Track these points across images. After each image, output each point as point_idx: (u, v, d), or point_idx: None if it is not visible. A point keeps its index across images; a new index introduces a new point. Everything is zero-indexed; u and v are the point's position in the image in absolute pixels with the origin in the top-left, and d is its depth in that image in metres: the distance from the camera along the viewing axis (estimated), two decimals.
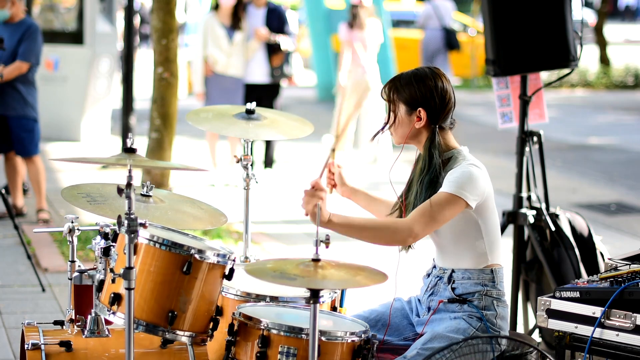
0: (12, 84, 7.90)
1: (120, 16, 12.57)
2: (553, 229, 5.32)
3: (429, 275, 3.85)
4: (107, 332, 3.64)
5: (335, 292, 3.82)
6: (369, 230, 3.53)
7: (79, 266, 3.81)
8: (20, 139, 8.03)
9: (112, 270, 3.44)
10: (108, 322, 3.65)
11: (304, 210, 3.49)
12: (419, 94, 3.66)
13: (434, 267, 3.83)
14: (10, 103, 7.94)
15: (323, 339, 3.32)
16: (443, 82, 3.70)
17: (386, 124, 3.74)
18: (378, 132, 3.82)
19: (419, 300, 3.87)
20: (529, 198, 5.48)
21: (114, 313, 3.42)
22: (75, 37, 12.14)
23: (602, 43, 21.66)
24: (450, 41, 17.04)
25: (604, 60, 21.67)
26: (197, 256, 3.41)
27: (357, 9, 11.21)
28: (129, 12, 10.36)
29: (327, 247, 3.26)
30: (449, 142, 3.73)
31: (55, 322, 3.76)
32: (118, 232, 3.35)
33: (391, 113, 3.73)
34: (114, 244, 3.52)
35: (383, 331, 3.80)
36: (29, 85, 8.02)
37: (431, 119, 3.68)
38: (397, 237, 3.52)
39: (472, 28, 20.86)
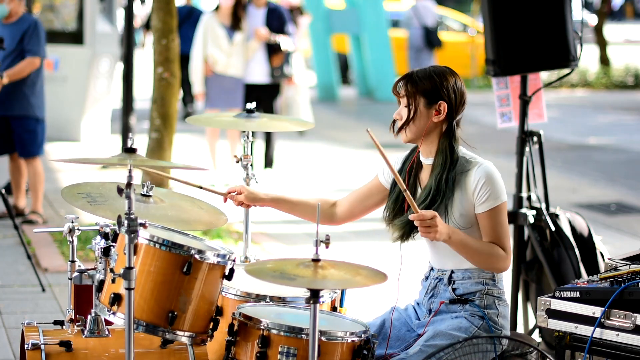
0: (15, 84, 7.90)
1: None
2: (553, 229, 5.32)
3: (427, 278, 3.84)
4: (107, 332, 3.64)
5: (335, 292, 3.82)
6: (481, 255, 3.60)
7: (79, 266, 3.80)
8: (22, 139, 8.03)
9: (112, 271, 3.44)
10: (108, 322, 3.64)
11: (428, 238, 3.52)
12: (440, 87, 3.67)
13: (432, 269, 3.82)
14: (12, 103, 7.94)
15: (323, 339, 3.32)
16: (460, 81, 3.74)
17: (409, 118, 3.69)
18: (401, 129, 3.72)
19: (417, 303, 3.86)
20: (529, 198, 5.48)
21: (114, 313, 3.42)
22: (75, 37, 12.14)
23: (602, 43, 21.66)
24: (430, 39, 17.85)
25: (604, 60, 21.66)
26: (197, 256, 3.41)
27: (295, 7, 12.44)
28: (129, 12, 10.36)
29: (327, 247, 3.26)
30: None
31: (55, 322, 3.76)
32: (118, 232, 3.35)
33: (410, 107, 3.68)
34: (114, 244, 3.52)
35: (383, 344, 3.76)
36: (33, 85, 8.01)
37: (449, 114, 3.69)
38: (504, 265, 3.64)
39: (472, 28, 20.88)
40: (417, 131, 3.69)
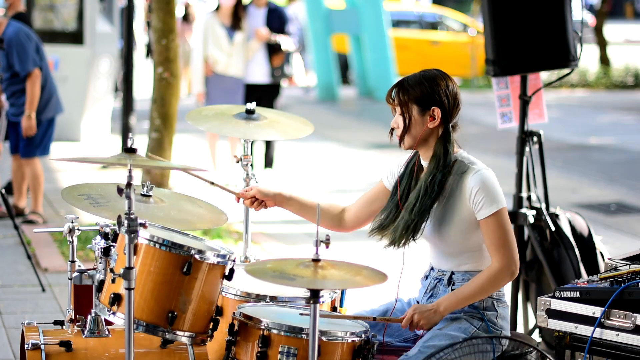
0: (14, 89, 7.93)
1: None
2: (553, 229, 5.32)
3: (427, 277, 3.84)
4: (107, 332, 3.64)
5: (335, 292, 3.82)
6: (480, 295, 3.62)
7: (79, 266, 3.80)
8: (21, 139, 8.08)
9: (112, 271, 3.44)
10: (108, 322, 3.64)
11: (425, 329, 3.57)
12: (431, 93, 3.63)
13: (432, 269, 3.82)
14: (14, 107, 8.01)
15: (323, 339, 3.32)
16: (453, 83, 3.70)
17: (405, 127, 3.67)
18: (402, 138, 3.69)
19: (417, 302, 3.86)
20: (529, 198, 5.48)
21: (114, 313, 3.42)
22: (75, 37, 12.14)
23: (602, 43, 21.66)
24: None
25: (604, 60, 21.66)
26: (197, 256, 3.41)
27: (189, 6, 14.13)
28: (129, 12, 10.36)
29: (327, 247, 3.26)
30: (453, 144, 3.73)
31: (55, 322, 3.76)
32: (118, 232, 3.35)
33: (404, 115, 3.66)
34: (114, 244, 3.52)
35: (383, 332, 3.78)
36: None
37: (444, 118, 3.67)
38: (504, 283, 3.64)
39: (472, 28, 20.87)
40: (414, 138, 3.68)
